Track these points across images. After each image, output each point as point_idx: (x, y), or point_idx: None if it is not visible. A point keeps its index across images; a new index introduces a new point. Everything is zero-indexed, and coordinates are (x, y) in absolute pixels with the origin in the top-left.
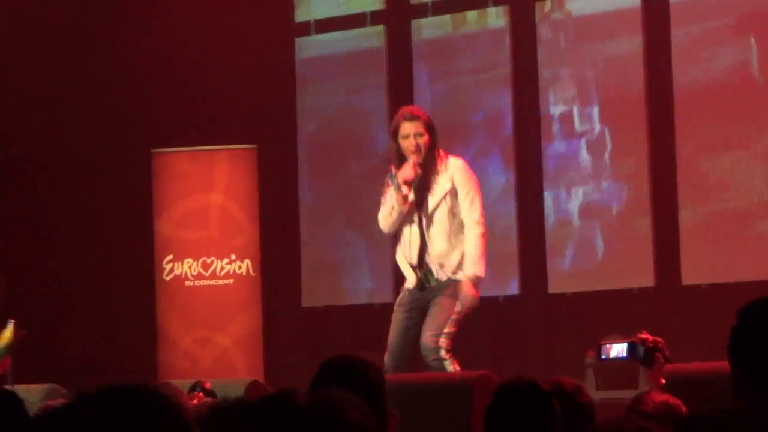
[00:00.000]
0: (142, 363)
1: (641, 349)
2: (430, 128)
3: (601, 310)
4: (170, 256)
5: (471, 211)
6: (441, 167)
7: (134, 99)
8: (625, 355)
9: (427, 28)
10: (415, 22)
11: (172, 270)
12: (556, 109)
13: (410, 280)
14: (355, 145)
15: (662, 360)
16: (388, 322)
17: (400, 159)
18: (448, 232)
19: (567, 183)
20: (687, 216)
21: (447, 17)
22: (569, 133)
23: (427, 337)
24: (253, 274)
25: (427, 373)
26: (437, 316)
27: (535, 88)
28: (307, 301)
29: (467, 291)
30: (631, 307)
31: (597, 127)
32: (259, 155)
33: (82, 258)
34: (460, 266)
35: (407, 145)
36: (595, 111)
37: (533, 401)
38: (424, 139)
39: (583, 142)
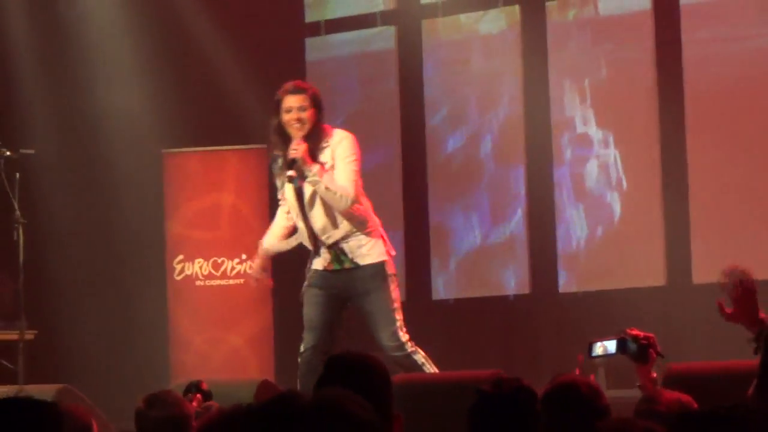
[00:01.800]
0: (155, 362)
1: (634, 346)
2: (316, 102)
3: (611, 309)
4: (181, 256)
5: (342, 183)
6: (324, 143)
7: (145, 100)
8: (613, 351)
9: (439, 29)
10: (425, 22)
11: (183, 270)
12: (567, 111)
13: (319, 260)
14: (364, 144)
15: (655, 356)
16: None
17: (282, 136)
18: (331, 211)
19: (577, 181)
20: (698, 214)
21: (457, 17)
22: (580, 134)
23: (386, 339)
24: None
25: (437, 373)
26: (383, 315)
27: (545, 89)
28: None
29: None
30: (641, 306)
31: (608, 124)
32: (270, 155)
33: (94, 258)
34: (360, 242)
35: (288, 119)
36: (606, 109)
37: (517, 402)
38: (307, 113)
39: (593, 141)
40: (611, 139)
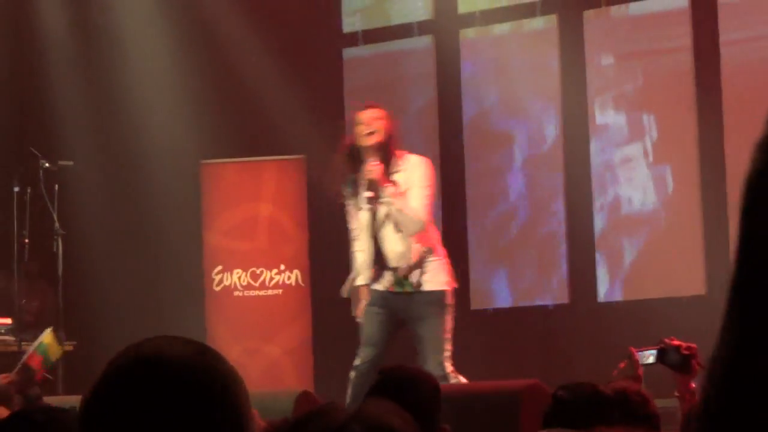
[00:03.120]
0: None
1: (676, 356)
2: (387, 118)
3: (650, 319)
4: (219, 267)
5: (414, 207)
6: (398, 167)
7: (184, 111)
8: (653, 361)
9: (476, 36)
10: (462, 32)
11: (221, 281)
12: (605, 115)
13: (381, 281)
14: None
15: (697, 367)
16: None
17: (354, 159)
18: (402, 234)
19: (615, 190)
20: (736, 222)
21: (495, 27)
22: (618, 140)
23: (431, 365)
24: (302, 285)
25: (475, 383)
26: (434, 343)
27: (583, 94)
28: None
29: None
30: (681, 315)
31: (646, 133)
32: (308, 165)
33: (132, 268)
34: (425, 269)
35: (360, 130)
36: (645, 117)
37: (594, 408)
38: (380, 123)
39: (632, 150)
40: (650, 147)
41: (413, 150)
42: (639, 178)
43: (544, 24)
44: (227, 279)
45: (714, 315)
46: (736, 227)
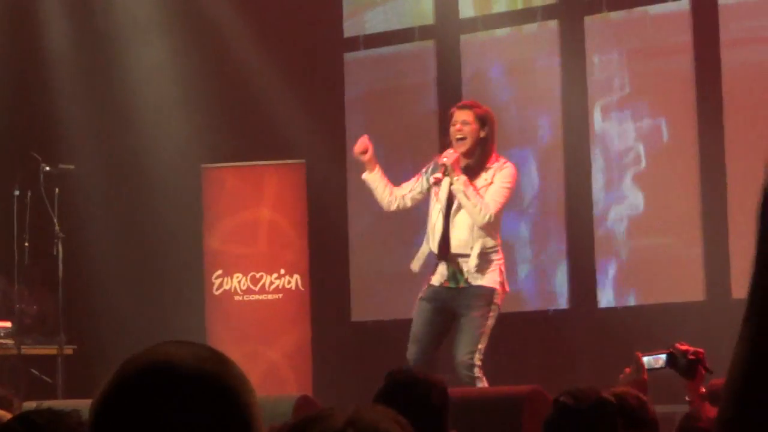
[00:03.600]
0: None
1: (683, 361)
2: (481, 121)
3: (650, 324)
4: (220, 271)
5: (488, 200)
6: (489, 164)
7: (185, 115)
8: (663, 365)
9: (477, 41)
10: (464, 37)
11: (221, 285)
12: (605, 120)
13: (436, 276)
14: (404, 158)
15: (704, 372)
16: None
17: (446, 148)
18: (471, 224)
19: (616, 195)
20: (737, 228)
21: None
22: (619, 144)
23: (462, 355)
24: (302, 289)
25: (477, 388)
26: (471, 332)
27: (584, 99)
28: (356, 316)
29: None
30: (680, 320)
31: (647, 136)
32: (308, 170)
33: (132, 272)
34: (482, 264)
35: (453, 131)
36: (645, 121)
37: (597, 415)
38: (470, 128)
39: (633, 154)
40: (651, 151)
41: (412, 154)
42: (639, 183)
43: (546, 29)
44: (227, 283)
45: (713, 321)
46: (736, 232)
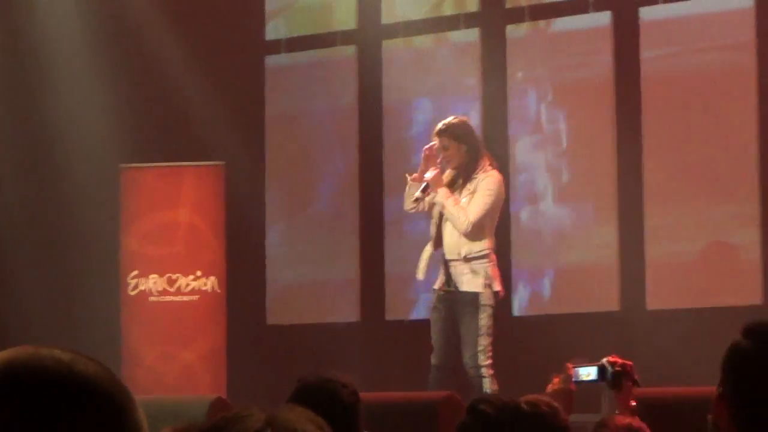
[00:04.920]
0: None
1: (612, 373)
2: (458, 138)
3: (563, 334)
4: (136, 272)
5: (469, 210)
6: (475, 173)
7: (103, 114)
8: (595, 378)
9: (397, 47)
10: (386, 43)
11: (137, 285)
12: (525, 128)
13: (437, 281)
14: (323, 162)
15: (631, 384)
16: (353, 341)
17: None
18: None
19: (534, 205)
20: (654, 241)
21: (417, 39)
22: (537, 152)
23: (466, 359)
24: (219, 291)
25: (395, 393)
26: (468, 337)
27: (503, 107)
28: (272, 319)
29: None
30: (595, 331)
31: (565, 145)
32: (227, 172)
33: (47, 272)
34: (469, 268)
35: (442, 157)
36: (564, 129)
37: (511, 423)
38: (450, 151)
39: (550, 163)
40: (566, 161)
41: (332, 158)
42: (557, 193)
43: (467, 37)
44: (143, 284)
45: (628, 331)
46: (652, 243)
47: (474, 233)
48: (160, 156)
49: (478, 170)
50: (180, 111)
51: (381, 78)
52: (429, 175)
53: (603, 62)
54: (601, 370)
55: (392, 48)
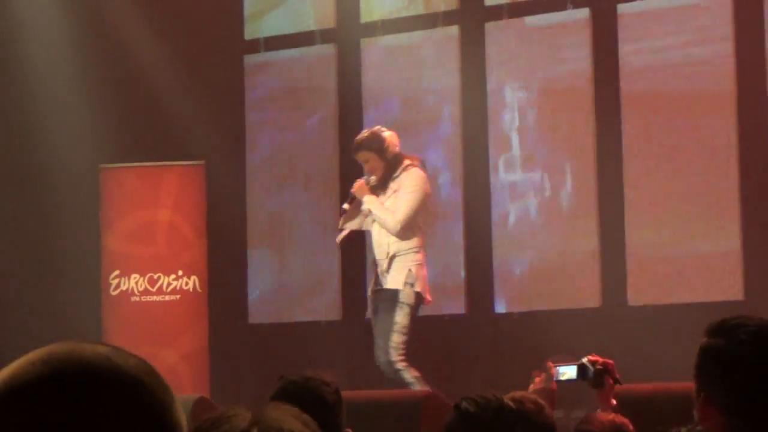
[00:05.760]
0: None
1: (591, 371)
2: (375, 149)
3: (546, 330)
4: (117, 272)
5: (395, 209)
6: (396, 173)
7: (83, 114)
8: (575, 377)
9: (378, 45)
10: (364, 41)
11: (118, 285)
12: (505, 126)
13: (371, 284)
14: (304, 162)
15: (612, 382)
16: (335, 339)
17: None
18: (384, 230)
19: (513, 203)
20: (634, 235)
21: (397, 36)
22: (516, 155)
23: (378, 357)
24: (200, 291)
25: (376, 391)
26: (381, 333)
27: (484, 105)
28: (254, 318)
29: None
30: (577, 327)
31: (546, 142)
32: (207, 172)
33: (28, 272)
34: (394, 266)
35: (366, 170)
36: (545, 126)
37: (498, 421)
38: (372, 164)
39: (530, 160)
40: (546, 157)
41: (312, 158)
42: (537, 189)
43: (446, 34)
44: (124, 284)
45: (609, 328)
46: (633, 239)
47: (404, 232)
48: (141, 156)
49: (398, 170)
50: (160, 111)
51: (360, 76)
52: (356, 187)
53: (582, 57)
54: (582, 369)
55: (371, 46)
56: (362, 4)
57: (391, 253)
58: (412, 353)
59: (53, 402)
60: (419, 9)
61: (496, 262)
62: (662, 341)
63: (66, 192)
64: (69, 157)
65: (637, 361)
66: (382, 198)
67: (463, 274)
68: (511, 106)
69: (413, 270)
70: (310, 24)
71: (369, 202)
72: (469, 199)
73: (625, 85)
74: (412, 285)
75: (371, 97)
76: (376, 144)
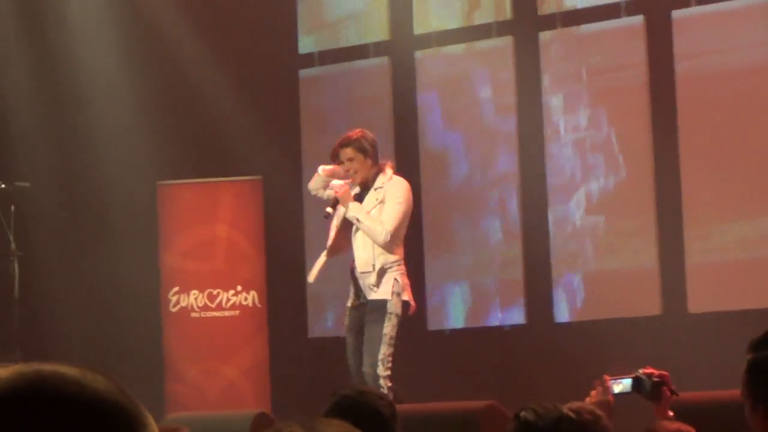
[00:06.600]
0: (149, 395)
1: (648, 384)
2: (362, 150)
3: (606, 339)
4: (176, 288)
5: (384, 219)
6: (379, 183)
7: (140, 132)
8: (630, 390)
9: (432, 58)
10: (418, 53)
11: (178, 302)
12: (561, 135)
13: (350, 298)
14: None
15: (669, 394)
16: (395, 352)
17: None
18: (371, 243)
19: (572, 210)
20: (694, 243)
21: (450, 48)
22: (574, 157)
23: (365, 367)
24: (259, 305)
25: (435, 404)
26: (369, 344)
27: (539, 115)
28: (313, 332)
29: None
30: (637, 335)
31: (603, 149)
32: (265, 186)
33: (89, 290)
34: (381, 279)
35: (345, 169)
36: (602, 135)
37: (557, 430)
38: (356, 162)
39: (587, 169)
40: (603, 167)
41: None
42: (594, 198)
43: (500, 45)
44: (184, 300)
45: (670, 336)
46: (692, 245)
47: (389, 243)
48: (197, 172)
49: (380, 179)
50: (216, 127)
51: (415, 88)
52: (336, 183)
53: (637, 64)
54: (637, 382)
55: (425, 58)
56: (416, 17)
57: (377, 267)
58: (472, 364)
59: (20, 423)
60: (472, 20)
61: (555, 272)
62: (722, 348)
63: (124, 210)
64: (127, 175)
65: (698, 368)
66: (366, 207)
67: (522, 285)
68: (566, 115)
69: (399, 279)
70: (364, 37)
71: (355, 210)
72: (527, 207)
73: (682, 92)
74: (399, 294)
75: (426, 108)
76: (367, 145)
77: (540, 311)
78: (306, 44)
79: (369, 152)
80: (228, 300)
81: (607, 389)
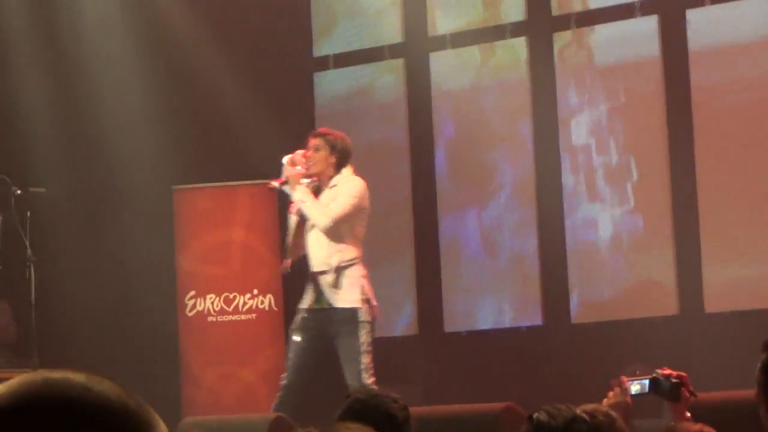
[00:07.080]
0: (166, 399)
1: (666, 384)
2: (332, 146)
3: (623, 339)
4: (192, 292)
5: (331, 206)
6: (335, 181)
7: (156, 136)
8: (647, 390)
9: (447, 60)
10: (433, 55)
11: (194, 306)
12: (577, 140)
13: (305, 299)
14: (375, 178)
15: (687, 395)
16: (413, 354)
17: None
18: (327, 240)
19: (587, 212)
20: (709, 243)
21: (465, 50)
22: (590, 167)
23: (349, 377)
24: (276, 309)
25: (453, 406)
26: (349, 358)
27: (554, 117)
28: None
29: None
30: (654, 335)
31: (615, 154)
32: (280, 190)
33: (105, 295)
34: (340, 280)
35: (307, 156)
36: (615, 140)
37: (570, 431)
38: (320, 154)
39: (604, 172)
40: (619, 167)
41: (385, 173)
42: (611, 199)
43: (515, 46)
44: (200, 304)
45: (687, 335)
46: (708, 245)
47: (346, 238)
48: (213, 176)
49: (337, 178)
50: (231, 130)
51: (430, 89)
52: (290, 173)
53: (651, 65)
54: (654, 383)
55: (440, 59)
56: (429, 18)
57: (333, 265)
58: (490, 366)
59: (30, 428)
60: (487, 21)
61: (571, 273)
62: (740, 348)
63: (140, 214)
64: (143, 180)
65: (715, 368)
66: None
67: (538, 285)
68: (581, 116)
69: (365, 286)
70: (378, 39)
71: (301, 192)
72: (543, 210)
73: (696, 93)
74: (368, 301)
75: (441, 110)
76: (339, 144)
77: (557, 312)
78: (320, 47)
79: (336, 153)
80: (244, 303)
81: (624, 390)
